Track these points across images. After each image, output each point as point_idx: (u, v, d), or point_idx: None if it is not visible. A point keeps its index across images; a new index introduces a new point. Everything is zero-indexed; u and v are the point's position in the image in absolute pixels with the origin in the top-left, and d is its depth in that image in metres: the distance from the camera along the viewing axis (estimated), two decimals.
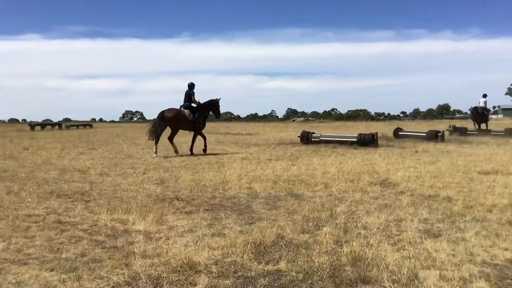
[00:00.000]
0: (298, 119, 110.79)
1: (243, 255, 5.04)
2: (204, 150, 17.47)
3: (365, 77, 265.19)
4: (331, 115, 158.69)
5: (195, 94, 17.48)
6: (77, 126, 60.16)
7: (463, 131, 27.42)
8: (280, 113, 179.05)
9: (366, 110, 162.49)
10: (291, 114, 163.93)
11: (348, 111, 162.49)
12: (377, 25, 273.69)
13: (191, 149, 17.36)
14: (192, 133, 17.99)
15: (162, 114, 16.83)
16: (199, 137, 17.84)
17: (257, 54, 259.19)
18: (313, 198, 8.33)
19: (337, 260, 4.88)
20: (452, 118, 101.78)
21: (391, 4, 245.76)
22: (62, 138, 31.36)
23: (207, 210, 7.57)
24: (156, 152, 16.49)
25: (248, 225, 6.48)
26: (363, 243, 5.41)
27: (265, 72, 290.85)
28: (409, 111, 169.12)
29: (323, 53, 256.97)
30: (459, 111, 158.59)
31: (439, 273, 4.42)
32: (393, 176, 10.88)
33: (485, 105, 29.73)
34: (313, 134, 22.42)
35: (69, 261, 4.93)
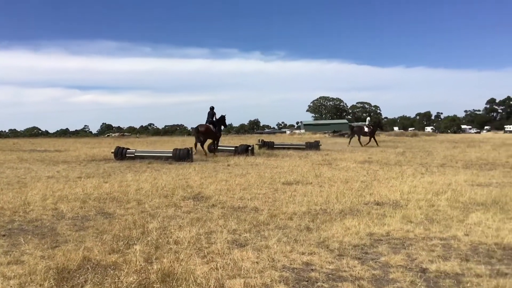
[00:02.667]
0: (113, 134, 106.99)
1: (43, 283, 4.64)
2: (214, 150, 24.56)
3: (182, 93, 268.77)
4: (148, 130, 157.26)
5: (216, 114, 24.91)
6: None
7: (270, 145, 29.54)
8: (94, 128, 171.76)
9: (183, 125, 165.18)
10: (106, 129, 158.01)
11: (165, 126, 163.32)
12: (193, 42, 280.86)
13: (213, 150, 24.45)
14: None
15: (197, 129, 23.69)
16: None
17: (67, 65, 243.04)
18: (124, 216, 8.08)
19: (147, 278, 4.80)
20: (262, 133, 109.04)
21: (207, 23, 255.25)
22: None
23: (4, 235, 6.81)
24: (193, 153, 22.00)
25: (51, 249, 5.99)
26: (174, 258, 5.41)
27: (77, 85, 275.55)
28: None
29: (140, 67, 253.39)
30: (268, 126, 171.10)
31: (244, 281, 4.64)
32: (206, 189, 11.17)
33: (368, 123, 35.00)
34: (128, 150, 21.88)
35: None
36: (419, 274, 4.97)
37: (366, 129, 33.87)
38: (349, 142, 34.75)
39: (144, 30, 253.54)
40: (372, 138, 33.87)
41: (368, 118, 35.53)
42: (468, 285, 4.65)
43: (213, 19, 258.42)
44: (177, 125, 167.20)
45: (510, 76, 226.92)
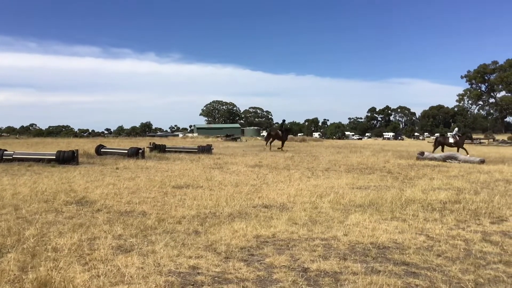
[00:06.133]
0: None
1: None
2: (280, 149, 34.77)
3: (69, 92, 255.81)
4: (29, 131, 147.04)
5: (285, 123, 39.57)
6: None
7: (162, 148, 29.06)
8: None
9: (69, 126, 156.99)
10: None
11: (49, 127, 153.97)
12: (83, 40, 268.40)
13: (281, 148, 34.94)
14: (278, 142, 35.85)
15: (269, 132, 38.21)
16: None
17: None
18: None
19: None
20: (154, 136, 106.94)
21: (97, 20, 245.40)
22: None
23: None
24: (266, 147, 36.12)
25: None
26: (52, 266, 5.10)
27: None
28: (113, 128, 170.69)
29: (23, 63, 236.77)
30: (161, 129, 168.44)
31: None
32: (91, 194, 10.70)
33: (455, 133, 31.67)
34: (5, 152, 20.32)
35: None
36: (301, 273, 5.17)
37: (451, 140, 30.99)
38: (433, 150, 30.48)
39: (29, 24, 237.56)
40: (461, 148, 30.48)
41: (456, 129, 32.88)
42: (345, 282, 4.92)
43: (103, 17, 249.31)
44: (63, 126, 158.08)
45: (389, 86, 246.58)
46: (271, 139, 36.11)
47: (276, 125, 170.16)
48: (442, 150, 30.47)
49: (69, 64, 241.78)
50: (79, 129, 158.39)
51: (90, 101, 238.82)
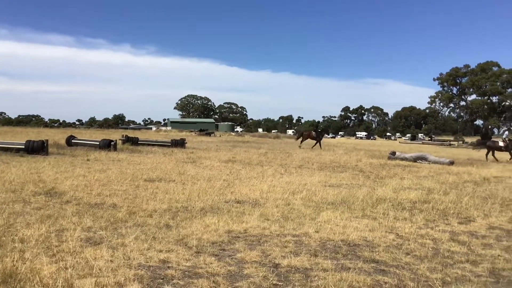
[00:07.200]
0: None
1: None
2: (316, 147, 35.59)
3: (41, 81, 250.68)
4: None
5: (319, 128, 53.00)
6: None
7: (134, 141, 28.73)
8: None
9: (40, 116, 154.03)
10: None
11: (19, 116, 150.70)
12: (56, 28, 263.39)
13: (317, 148, 35.22)
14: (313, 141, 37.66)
15: (302, 132, 39.81)
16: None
17: None
18: None
19: None
20: (127, 128, 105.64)
21: (73, 10, 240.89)
22: None
23: None
24: (300, 146, 36.75)
25: None
26: (18, 257, 4.97)
27: None
28: (85, 119, 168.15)
29: None
30: (134, 122, 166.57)
31: (95, 281, 4.43)
32: (61, 185, 10.50)
33: (505, 137, 29.68)
34: None
35: None
36: (272, 269, 5.17)
37: (501, 144, 29.08)
38: (485, 153, 29.50)
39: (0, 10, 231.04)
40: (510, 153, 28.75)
41: (507, 132, 30.78)
42: (316, 278, 4.94)
43: (78, 5, 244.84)
44: (33, 116, 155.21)
45: (363, 86, 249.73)
46: (304, 139, 37.79)
47: (251, 121, 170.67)
48: (487, 155, 29.21)
49: (42, 53, 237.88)
50: (49, 119, 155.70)
51: (62, 91, 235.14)
